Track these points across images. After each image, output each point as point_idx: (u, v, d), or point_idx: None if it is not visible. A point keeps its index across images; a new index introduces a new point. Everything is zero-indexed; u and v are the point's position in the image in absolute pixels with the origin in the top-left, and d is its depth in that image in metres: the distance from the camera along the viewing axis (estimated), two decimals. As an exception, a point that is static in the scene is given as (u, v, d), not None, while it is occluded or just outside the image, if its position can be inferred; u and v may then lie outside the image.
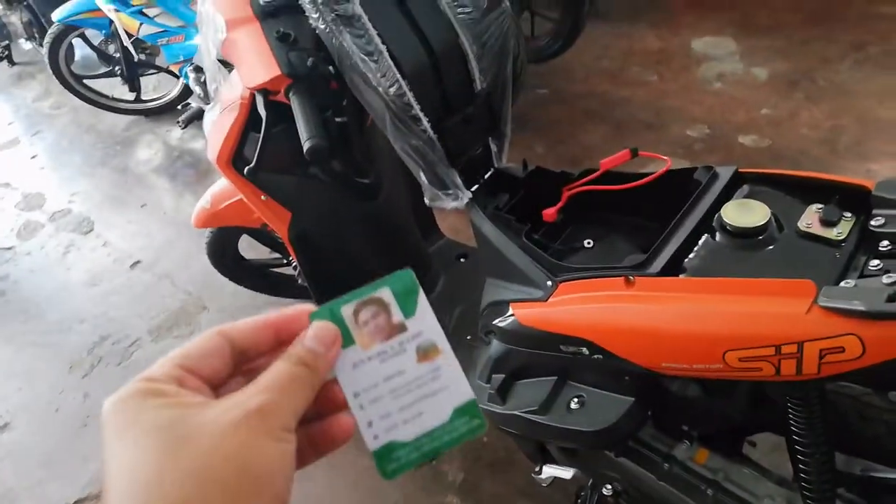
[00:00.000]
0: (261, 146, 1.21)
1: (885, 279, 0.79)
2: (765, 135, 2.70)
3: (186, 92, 3.49)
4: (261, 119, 1.20)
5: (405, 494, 1.69)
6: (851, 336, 0.74)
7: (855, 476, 1.12)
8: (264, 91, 1.18)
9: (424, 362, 0.45)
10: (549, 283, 1.06)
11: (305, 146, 1.05)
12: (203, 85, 1.58)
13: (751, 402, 1.04)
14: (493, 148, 1.28)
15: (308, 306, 0.45)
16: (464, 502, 1.67)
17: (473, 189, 1.24)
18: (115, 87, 3.71)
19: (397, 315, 0.45)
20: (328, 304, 0.44)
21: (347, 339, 0.44)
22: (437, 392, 0.45)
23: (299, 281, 1.80)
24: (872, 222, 0.88)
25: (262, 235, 1.97)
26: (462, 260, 1.79)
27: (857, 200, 0.92)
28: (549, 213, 1.18)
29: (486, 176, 1.28)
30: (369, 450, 0.43)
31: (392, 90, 1.10)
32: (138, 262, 2.78)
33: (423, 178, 1.15)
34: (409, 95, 1.11)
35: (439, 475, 1.73)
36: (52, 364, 2.37)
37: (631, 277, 0.94)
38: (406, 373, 0.45)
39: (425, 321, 0.45)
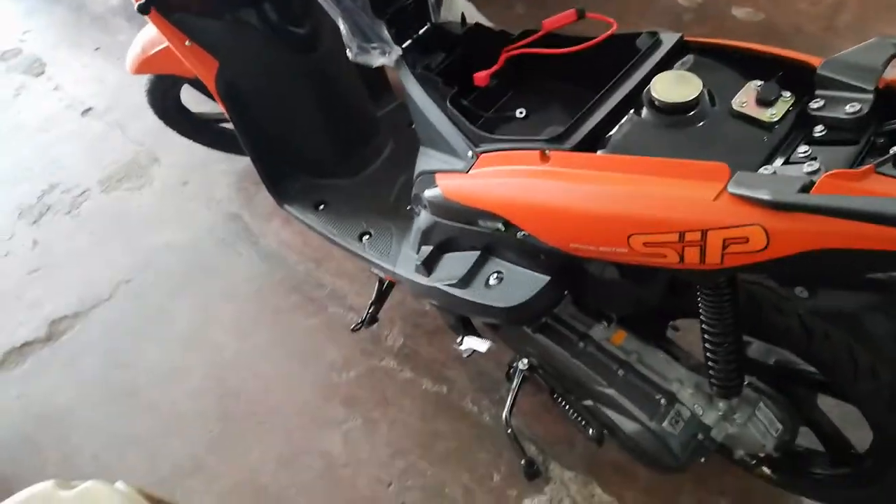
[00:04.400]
0: None
1: (807, 167, 0.73)
2: (760, 7, 2.49)
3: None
4: None
5: (343, 355, 1.72)
6: (756, 227, 0.69)
7: (768, 365, 1.13)
8: None
9: None
10: (470, 153, 0.99)
11: None
12: None
13: (668, 287, 1.02)
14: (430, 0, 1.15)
15: None
16: (400, 365, 1.70)
17: (405, 45, 1.13)
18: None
19: None
20: None
21: None
22: None
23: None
24: (812, 104, 0.80)
25: (204, 86, 1.85)
26: (414, 126, 1.70)
27: (801, 79, 0.83)
28: (481, 76, 1.08)
29: (421, 31, 1.16)
30: None
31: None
32: (90, 108, 2.64)
33: (342, 26, 1.04)
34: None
35: (378, 339, 1.75)
36: (0, 208, 2.32)
37: (546, 151, 0.87)
38: None
39: None
